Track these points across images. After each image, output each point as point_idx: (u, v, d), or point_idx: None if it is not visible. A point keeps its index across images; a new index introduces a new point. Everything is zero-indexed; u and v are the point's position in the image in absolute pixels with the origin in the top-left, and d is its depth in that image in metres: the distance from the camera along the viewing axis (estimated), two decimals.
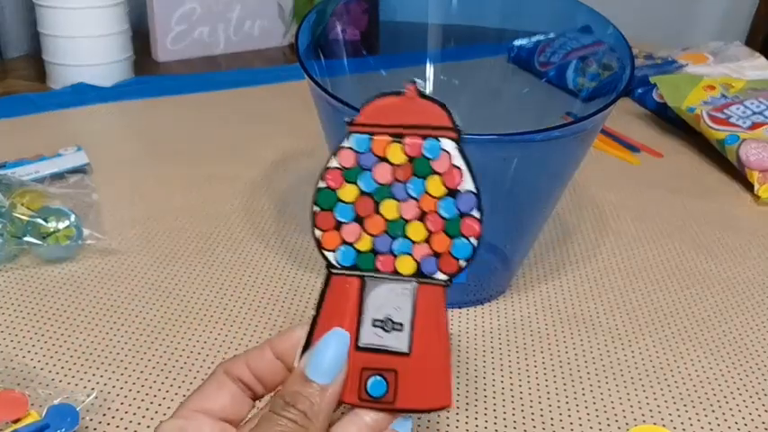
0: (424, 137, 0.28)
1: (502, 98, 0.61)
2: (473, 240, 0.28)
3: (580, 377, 0.44)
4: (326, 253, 0.28)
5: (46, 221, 0.52)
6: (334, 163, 0.28)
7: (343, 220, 0.28)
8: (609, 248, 0.59)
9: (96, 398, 0.40)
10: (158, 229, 0.58)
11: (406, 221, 0.28)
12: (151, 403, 0.40)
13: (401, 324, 0.28)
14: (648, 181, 0.72)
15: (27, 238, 0.51)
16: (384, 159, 0.28)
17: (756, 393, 0.44)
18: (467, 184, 0.28)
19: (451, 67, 0.60)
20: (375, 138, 0.28)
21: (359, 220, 0.28)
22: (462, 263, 0.28)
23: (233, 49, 1.06)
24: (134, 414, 0.40)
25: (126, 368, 0.43)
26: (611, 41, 0.51)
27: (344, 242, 0.28)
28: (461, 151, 0.28)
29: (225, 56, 1.05)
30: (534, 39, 0.68)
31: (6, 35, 0.97)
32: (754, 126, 0.73)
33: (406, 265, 0.28)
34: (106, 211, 0.59)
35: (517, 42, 0.68)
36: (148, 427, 0.39)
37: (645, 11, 1.54)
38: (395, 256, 0.28)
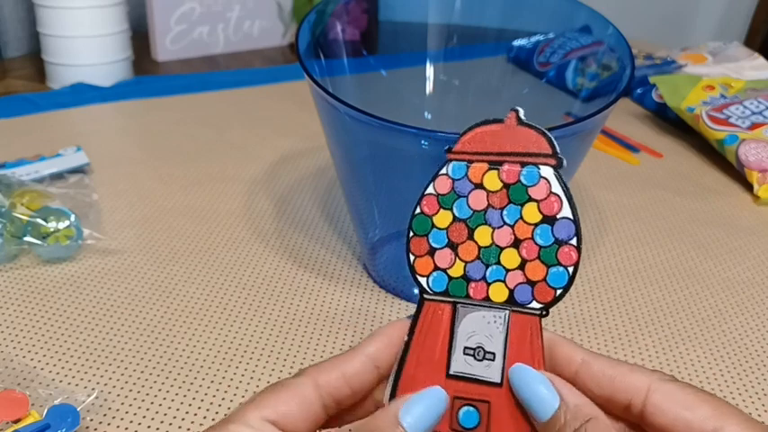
0: (523, 164, 0.27)
1: (502, 98, 0.61)
2: (570, 269, 0.27)
3: None
4: (419, 278, 0.28)
5: (46, 221, 0.52)
6: (430, 189, 0.28)
7: (436, 246, 0.28)
8: (608, 248, 0.59)
9: (97, 398, 0.40)
10: (158, 229, 0.58)
11: (500, 248, 0.27)
12: (152, 403, 0.40)
13: (493, 354, 0.27)
14: (648, 181, 0.72)
15: (27, 238, 0.51)
16: (480, 186, 0.28)
17: (756, 393, 0.44)
18: (565, 211, 0.27)
19: (451, 66, 0.60)
20: (472, 165, 0.28)
21: (452, 245, 0.28)
22: (559, 291, 0.27)
23: (232, 49, 1.06)
24: (134, 414, 0.40)
25: (126, 368, 0.43)
26: (610, 41, 0.51)
27: (437, 268, 0.28)
28: (560, 178, 0.27)
29: (224, 56, 1.05)
30: (534, 39, 0.68)
31: (6, 35, 0.97)
32: (754, 126, 0.73)
33: (498, 293, 0.27)
34: (106, 210, 0.59)
35: (516, 42, 0.68)
36: (149, 427, 0.39)
37: (644, 10, 1.54)
38: (488, 283, 0.28)
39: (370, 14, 0.69)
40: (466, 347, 0.28)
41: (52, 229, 0.52)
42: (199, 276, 0.52)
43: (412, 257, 0.28)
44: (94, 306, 0.48)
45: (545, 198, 0.27)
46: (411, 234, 0.28)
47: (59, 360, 0.43)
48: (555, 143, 0.27)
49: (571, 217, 0.27)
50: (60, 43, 0.85)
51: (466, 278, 0.28)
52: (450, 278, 0.28)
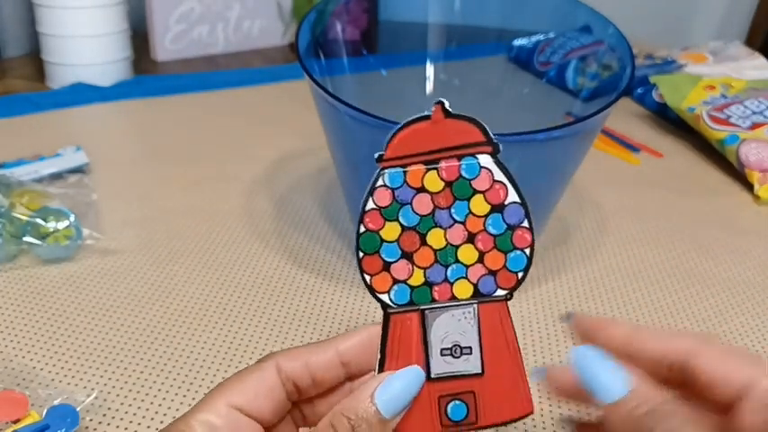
0: (460, 157, 0.27)
1: (502, 98, 0.61)
2: (527, 251, 0.27)
3: None
4: (380, 295, 0.27)
5: (45, 221, 0.52)
6: (370, 204, 0.27)
7: (390, 260, 0.27)
8: (609, 248, 0.59)
9: (96, 398, 0.40)
10: (157, 229, 0.58)
11: (456, 246, 0.27)
12: (151, 403, 0.40)
13: (469, 347, 0.28)
14: (648, 181, 0.72)
15: (26, 239, 0.51)
16: (422, 190, 0.27)
17: None
18: (511, 196, 0.27)
19: (451, 66, 0.60)
20: (409, 169, 0.27)
21: (407, 256, 0.27)
22: (520, 275, 0.28)
23: (232, 49, 1.06)
24: (134, 414, 0.40)
25: (126, 368, 0.43)
26: (611, 41, 0.51)
27: (396, 281, 0.27)
28: (500, 164, 0.27)
29: (224, 55, 1.05)
30: (534, 38, 0.68)
31: (5, 34, 0.97)
32: (754, 126, 0.73)
33: (463, 290, 0.28)
34: (105, 210, 0.59)
35: (517, 42, 0.68)
36: (148, 427, 0.39)
37: (644, 10, 1.54)
38: (450, 283, 0.27)
39: (371, 14, 0.70)
40: (442, 349, 0.28)
41: (52, 229, 0.52)
42: (198, 276, 0.52)
43: (368, 277, 0.27)
44: (94, 306, 0.48)
45: (489, 188, 0.27)
46: (361, 254, 0.27)
47: (59, 360, 0.43)
48: (487, 129, 0.27)
49: (518, 200, 0.27)
50: (60, 43, 0.85)
51: (428, 284, 0.27)
52: (412, 288, 0.27)
